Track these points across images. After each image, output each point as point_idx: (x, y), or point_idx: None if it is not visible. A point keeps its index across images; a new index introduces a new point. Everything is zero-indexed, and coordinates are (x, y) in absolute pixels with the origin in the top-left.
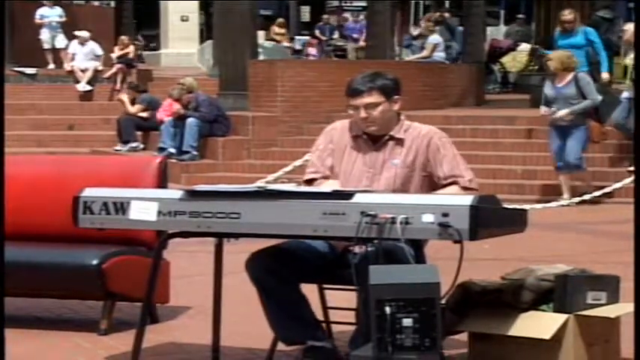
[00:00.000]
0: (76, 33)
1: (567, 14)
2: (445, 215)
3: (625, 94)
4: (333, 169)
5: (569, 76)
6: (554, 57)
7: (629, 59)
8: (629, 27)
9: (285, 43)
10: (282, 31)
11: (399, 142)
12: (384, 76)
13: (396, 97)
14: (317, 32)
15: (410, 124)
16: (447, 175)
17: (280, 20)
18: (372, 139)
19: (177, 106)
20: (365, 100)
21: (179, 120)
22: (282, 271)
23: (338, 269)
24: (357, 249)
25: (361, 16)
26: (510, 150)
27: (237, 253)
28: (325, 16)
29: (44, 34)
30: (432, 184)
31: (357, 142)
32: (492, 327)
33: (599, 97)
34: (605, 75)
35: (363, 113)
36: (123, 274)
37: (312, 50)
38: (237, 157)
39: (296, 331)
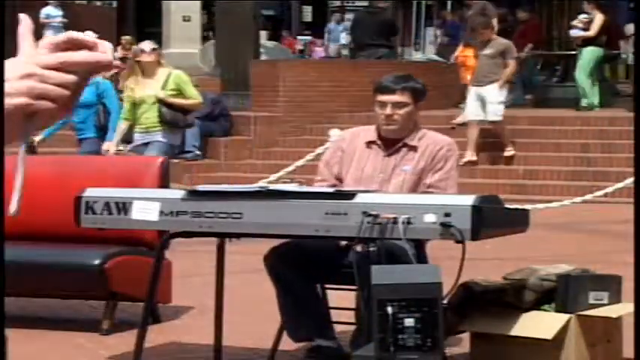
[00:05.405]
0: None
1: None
2: (447, 215)
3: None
4: (340, 176)
5: None
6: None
7: None
8: None
9: None
10: None
11: (412, 149)
12: (415, 80)
13: (421, 103)
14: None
15: (425, 132)
16: (432, 184)
17: None
18: (386, 145)
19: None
20: (395, 98)
21: None
22: (301, 267)
23: (340, 268)
24: (358, 247)
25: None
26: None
27: (239, 254)
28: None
29: (47, 34)
30: None
31: (370, 147)
32: (494, 327)
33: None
34: (108, 146)
35: (389, 110)
36: (125, 274)
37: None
38: (240, 157)
39: (307, 327)
